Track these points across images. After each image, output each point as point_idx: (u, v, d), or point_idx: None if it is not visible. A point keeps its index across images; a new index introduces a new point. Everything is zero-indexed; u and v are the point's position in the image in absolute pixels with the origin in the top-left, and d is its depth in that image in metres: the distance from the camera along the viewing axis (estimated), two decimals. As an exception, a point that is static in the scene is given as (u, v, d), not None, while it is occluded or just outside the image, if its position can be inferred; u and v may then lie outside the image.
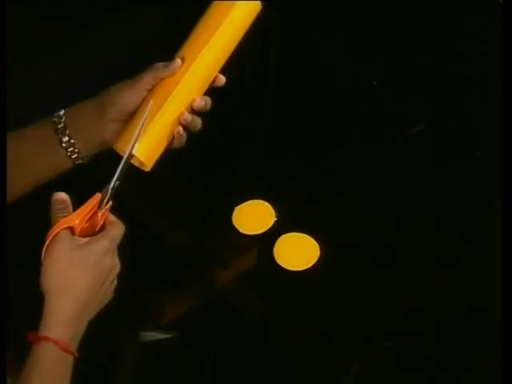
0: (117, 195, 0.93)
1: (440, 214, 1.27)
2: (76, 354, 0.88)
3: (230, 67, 1.01)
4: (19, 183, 1.00)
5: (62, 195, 0.91)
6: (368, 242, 1.24)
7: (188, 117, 0.97)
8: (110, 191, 0.92)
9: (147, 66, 0.99)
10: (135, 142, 0.94)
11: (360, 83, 1.46)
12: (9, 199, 0.95)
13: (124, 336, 1.14)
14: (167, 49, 1.00)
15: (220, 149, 1.36)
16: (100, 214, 0.91)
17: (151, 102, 0.96)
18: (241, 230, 1.25)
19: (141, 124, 0.95)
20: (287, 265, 1.21)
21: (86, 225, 0.91)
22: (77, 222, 0.90)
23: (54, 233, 0.89)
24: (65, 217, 0.90)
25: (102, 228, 0.92)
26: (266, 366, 1.12)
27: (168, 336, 1.14)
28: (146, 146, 0.96)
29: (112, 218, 0.92)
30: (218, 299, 1.19)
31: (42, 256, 0.89)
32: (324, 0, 1.55)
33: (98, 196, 0.91)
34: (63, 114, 1.00)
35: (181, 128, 0.98)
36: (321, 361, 1.13)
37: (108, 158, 0.98)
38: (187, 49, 0.98)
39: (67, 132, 0.99)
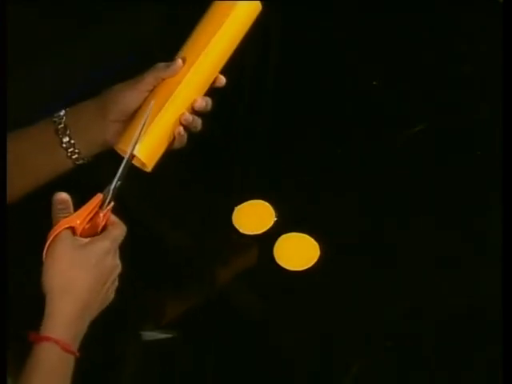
0: (117, 196, 0.93)
1: (440, 214, 1.27)
2: (77, 354, 0.88)
3: (230, 67, 1.01)
4: (19, 183, 1.00)
5: (63, 195, 0.91)
6: (368, 241, 1.24)
7: (189, 117, 0.98)
8: (111, 192, 0.92)
9: (147, 66, 0.99)
10: (136, 143, 0.95)
11: (360, 83, 1.46)
12: (9, 199, 0.95)
13: (125, 336, 1.14)
14: (167, 49, 1.00)
15: (220, 149, 1.36)
16: (102, 215, 0.91)
17: (152, 103, 0.96)
18: (241, 230, 1.25)
19: (142, 124, 0.95)
20: (287, 265, 1.21)
21: (88, 225, 0.91)
22: (78, 222, 0.90)
23: (55, 233, 0.89)
24: (66, 217, 0.90)
25: (104, 228, 0.92)
26: (265, 365, 1.12)
27: (168, 336, 1.15)
28: (146, 146, 0.96)
29: (113, 218, 0.92)
30: (218, 299, 1.19)
31: (43, 256, 0.89)
32: (324, 0, 1.55)
33: (99, 196, 0.92)
34: (64, 115, 1.00)
35: (182, 128, 0.98)
36: (321, 361, 1.13)
37: (109, 158, 0.98)
38: (188, 49, 0.98)
39: (68, 132, 0.99)
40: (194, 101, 0.98)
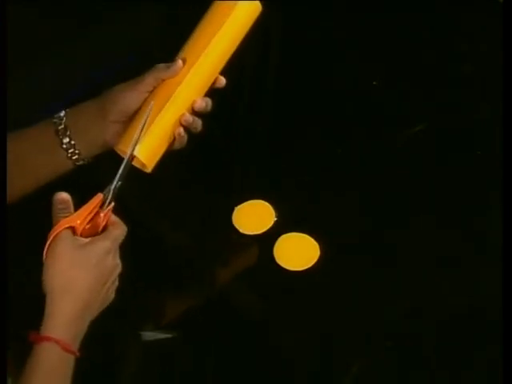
0: (118, 196, 0.93)
1: (440, 214, 1.27)
2: (77, 354, 0.88)
3: (230, 67, 1.01)
4: (19, 183, 1.00)
5: (63, 195, 0.91)
6: (368, 241, 1.24)
7: (189, 118, 0.98)
8: (111, 192, 0.92)
9: (147, 67, 0.99)
10: (136, 144, 0.95)
11: (360, 83, 1.46)
12: (9, 199, 0.95)
13: (125, 336, 1.14)
14: (167, 49, 1.00)
15: (220, 149, 1.36)
16: (102, 215, 0.91)
17: (152, 103, 0.96)
18: (241, 230, 1.25)
19: (142, 125, 0.95)
20: (287, 265, 1.21)
21: (88, 225, 0.91)
22: (78, 222, 0.90)
23: (56, 233, 0.89)
24: (66, 217, 0.90)
25: (104, 229, 0.92)
26: (265, 365, 1.12)
27: (169, 336, 1.15)
28: (147, 147, 0.96)
29: (114, 218, 0.92)
30: (218, 299, 1.19)
31: (44, 256, 0.89)
32: (324, 0, 1.55)
33: (99, 196, 0.92)
34: (64, 115, 1.00)
35: (182, 129, 0.98)
36: (321, 361, 1.13)
37: (109, 159, 0.98)
38: (188, 50, 0.98)
39: (68, 133, 0.99)
40: (194, 101, 0.98)
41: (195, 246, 1.25)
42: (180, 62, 0.97)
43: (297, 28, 1.52)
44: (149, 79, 0.98)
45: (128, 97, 0.98)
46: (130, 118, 0.98)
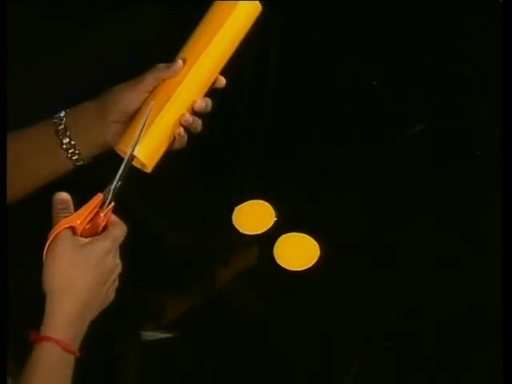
0: (118, 196, 0.93)
1: (440, 214, 1.27)
2: (77, 354, 0.88)
3: (230, 67, 1.01)
4: (19, 183, 1.00)
5: (63, 195, 0.91)
6: (368, 241, 1.24)
7: (189, 118, 0.97)
8: (111, 192, 0.92)
9: (147, 67, 0.99)
10: (136, 144, 0.95)
11: (360, 83, 1.46)
12: (9, 199, 0.95)
13: (125, 336, 1.14)
14: (167, 49, 1.00)
15: (220, 149, 1.36)
16: (102, 215, 0.91)
17: (152, 103, 0.96)
18: (241, 230, 1.25)
19: (142, 125, 0.95)
20: (287, 265, 1.21)
21: (88, 225, 0.91)
22: (78, 222, 0.90)
23: (56, 233, 0.89)
24: (66, 217, 0.90)
25: (104, 229, 0.92)
26: (265, 365, 1.12)
27: (169, 336, 1.15)
28: (146, 147, 0.96)
29: (114, 218, 0.92)
30: (218, 299, 1.19)
31: (44, 256, 0.89)
32: (324, 0, 1.55)
33: (99, 196, 0.91)
34: (64, 116, 1.00)
35: (182, 129, 0.98)
36: (321, 361, 1.13)
37: (109, 159, 0.98)
38: (189, 50, 0.98)
39: (68, 133, 0.99)
40: (194, 101, 0.98)
41: (195, 246, 1.25)
42: (180, 61, 0.97)
43: (297, 28, 1.52)
44: (149, 79, 0.97)
45: (128, 97, 0.98)
46: (130, 118, 0.98)
